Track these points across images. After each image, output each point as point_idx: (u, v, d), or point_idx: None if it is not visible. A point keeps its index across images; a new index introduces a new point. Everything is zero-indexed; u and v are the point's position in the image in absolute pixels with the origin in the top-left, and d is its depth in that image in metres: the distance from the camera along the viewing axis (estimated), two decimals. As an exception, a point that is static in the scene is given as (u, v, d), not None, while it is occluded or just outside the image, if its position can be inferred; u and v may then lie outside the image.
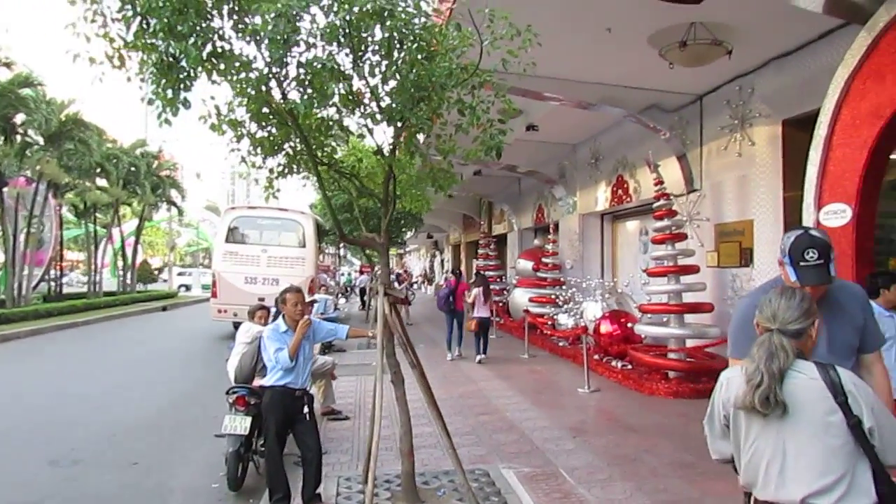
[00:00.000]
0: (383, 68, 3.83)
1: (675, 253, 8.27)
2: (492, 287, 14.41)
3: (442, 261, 38.08)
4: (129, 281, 27.87)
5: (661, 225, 8.43)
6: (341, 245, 27.18)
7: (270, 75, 3.67)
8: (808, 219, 5.27)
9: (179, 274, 38.49)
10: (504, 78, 4.03)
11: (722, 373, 2.11)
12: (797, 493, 1.83)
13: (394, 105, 3.90)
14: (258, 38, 3.41)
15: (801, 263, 2.35)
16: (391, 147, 4.28)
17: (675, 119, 9.30)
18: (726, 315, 8.10)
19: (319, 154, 4.43)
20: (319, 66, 3.50)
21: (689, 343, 8.25)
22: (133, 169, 25.18)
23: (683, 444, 5.67)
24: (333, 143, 4.82)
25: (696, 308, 8.08)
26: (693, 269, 8.22)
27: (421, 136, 4.43)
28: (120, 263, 28.29)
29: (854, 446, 1.82)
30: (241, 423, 4.77)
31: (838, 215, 4.97)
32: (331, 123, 4.32)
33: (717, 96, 8.41)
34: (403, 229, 19.35)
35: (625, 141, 10.80)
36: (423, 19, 3.75)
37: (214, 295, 13.79)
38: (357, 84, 3.95)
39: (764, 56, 7.21)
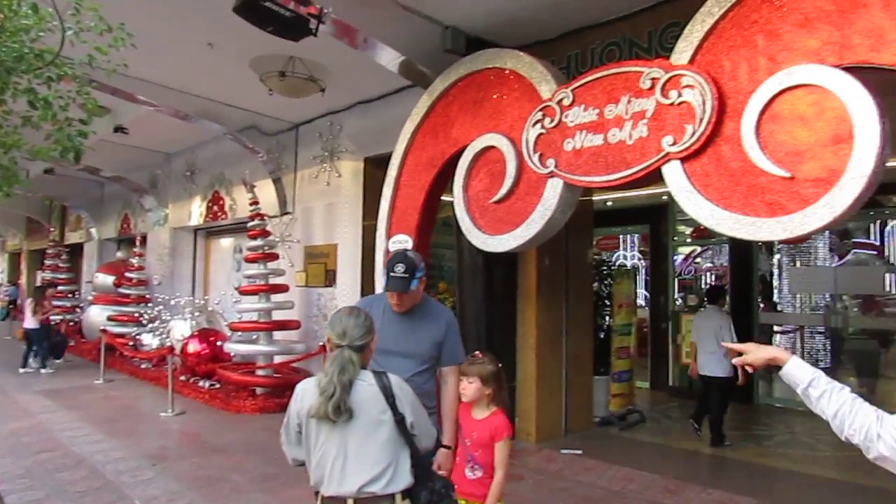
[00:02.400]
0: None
1: (266, 272, 8.56)
2: (62, 304, 13.18)
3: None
4: None
5: (255, 244, 8.63)
6: None
7: None
8: (380, 246, 6.07)
9: None
10: (90, 74, 3.72)
11: (298, 384, 2.35)
12: (355, 485, 2.14)
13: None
14: None
15: (391, 274, 2.87)
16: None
17: (273, 143, 9.67)
18: (312, 332, 8.70)
19: None
20: None
21: (277, 359, 8.60)
22: None
23: (267, 458, 5.88)
24: None
25: (284, 325, 8.47)
26: (283, 288, 8.62)
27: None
28: None
29: (398, 438, 2.22)
30: None
31: (402, 244, 5.84)
32: None
33: (311, 127, 9.03)
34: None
35: (223, 157, 10.73)
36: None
37: None
38: None
39: (352, 99, 8.04)
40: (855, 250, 10.48)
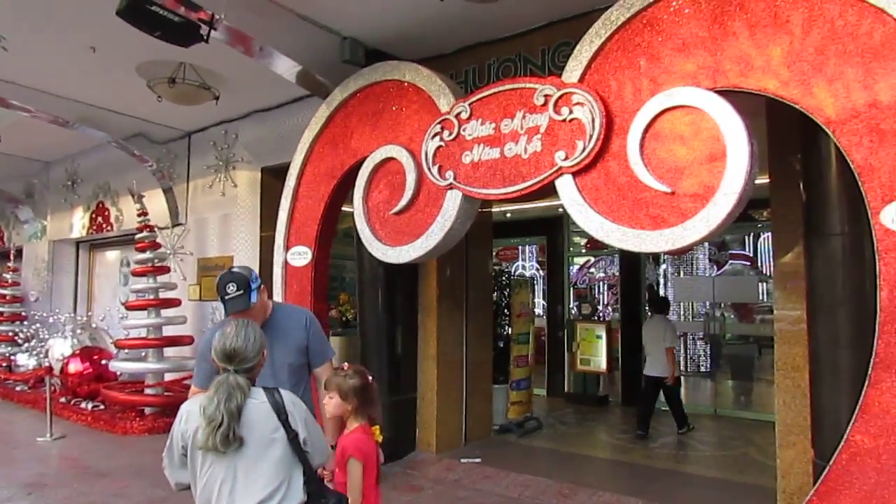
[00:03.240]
0: None
1: (156, 286, 8.14)
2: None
3: None
4: None
5: (144, 257, 8.20)
6: None
7: None
8: (278, 258, 5.94)
9: None
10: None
11: (182, 405, 2.23)
12: None
13: None
14: None
15: (226, 297, 2.73)
16: None
17: (164, 151, 9.23)
18: (206, 347, 8.34)
19: None
20: None
21: (168, 377, 8.19)
22: None
23: (155, 481, 5.56)
24: None
25: (176, 341, 8.08)
26: (175, 303, 8.22)
27: None
28: None
29: (291, 456, 2.15)
30: None
31: (302, 256, 5.75)
32: None
33: (204, 136, 8.70)
34: None
35: (108, 166, 10.13)
36: None
37: None
38: None
39: (248, 107, 7.82)
40: (731, 261, 11.30)
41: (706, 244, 10.37)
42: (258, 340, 2.20)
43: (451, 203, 4.81)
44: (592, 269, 13.14)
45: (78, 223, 11.16)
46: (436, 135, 4.89)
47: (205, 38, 4.76)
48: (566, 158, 4.18)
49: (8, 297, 11.35)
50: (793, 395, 4.47)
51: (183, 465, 2.16)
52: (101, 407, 8.26)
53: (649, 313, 8.28)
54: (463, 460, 6.08)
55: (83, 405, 8.40)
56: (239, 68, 6.33)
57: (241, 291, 2.74)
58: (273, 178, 7.63)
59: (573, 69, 4.27)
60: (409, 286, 6.44)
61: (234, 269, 2.90)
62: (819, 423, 3.81)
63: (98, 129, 8.44)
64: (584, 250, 11.63)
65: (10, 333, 10.81)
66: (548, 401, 9.54)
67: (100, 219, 10.62)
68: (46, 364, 8.84)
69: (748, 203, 3.63)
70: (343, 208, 5.97)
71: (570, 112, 4.20)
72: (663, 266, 11.60)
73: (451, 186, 4.78)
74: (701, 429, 7.62)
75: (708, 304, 9.88)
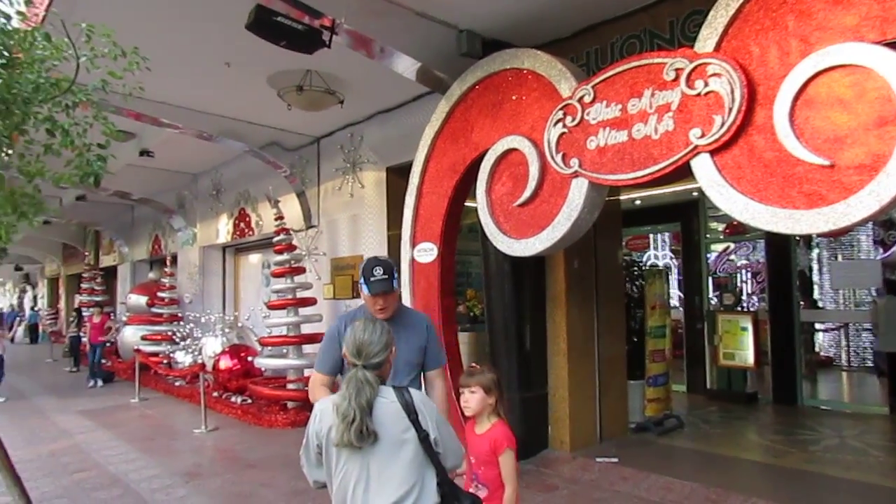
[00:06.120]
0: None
1: (294, 286, 8.54)
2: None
3: (35, 296, 32.60)
4: None
5: (282, 259, 8.63)
6: None
7: None
8: (405, 255, 5.98)
9: None
10: (107, 99, 3.71)
11: (316, 404, 2.24)
12: None
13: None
14: None
15: (371, 279, 2.86)
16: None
17: (296, 157, 9.68)
18: (340, 344, 8.63)
19: None
20: None
21: (308, 372, 8.56)
22: None
23: (299, 473, 5.69)
24: None
25: (313, 338, 8.42)
26: (311, 302, 8.58)
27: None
28: None
29: (423, 457, 2.09)
30: None
31: (428, 252, 5.76)
32: None
33: (332, 140, 9.02)
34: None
35: (247, 174, 10.81)
36: (1, 20, 3.25)
37: None
38: None
39: (371, 109, 7.99)
40: (901, 241, 10.07)
41: (869, 224, 9.32)
42: (384, 336, 2.18)
43: (577, 192, 4.59)
44: (733, 256, 12.28)
45: (223, 229, 11.98)
46: (558, 121, 4.70)
47: (327, 43, 4.88)
48: (702, 136, 3.85)
49: (166, 300, 12.43)
50: None
51: (319, 464, 2.18)
52: (249, 401, 8.79)
53: (883, 295, 8.41)
54: (599, 459, 5.83)
55: (233, 399, 8.99)
56: (360, 71, 6.45)
57: (387, 276, 2.87)
58: (398, 177, 7.74)
59: (707, 38, 3.93)
60: (537, 279, 6.27)
61: (380, 257, 3.03)
62: None
63: (237, 141, 8.99)
64: (722, 236, 10.85)
65: (170, 333, 11.82)
66: (688, 398, 8.98)
67: (242, 224, 11.33)
68: (200, 361, 9.54)
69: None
70: (467, 203, 5.91)
71: (706, 85, 3.86)
72: (816, 250, 10.61)
73: (576, 174, 4.57)
74: (871, 431, 6.84)
75: (874, 290, 8.87)
